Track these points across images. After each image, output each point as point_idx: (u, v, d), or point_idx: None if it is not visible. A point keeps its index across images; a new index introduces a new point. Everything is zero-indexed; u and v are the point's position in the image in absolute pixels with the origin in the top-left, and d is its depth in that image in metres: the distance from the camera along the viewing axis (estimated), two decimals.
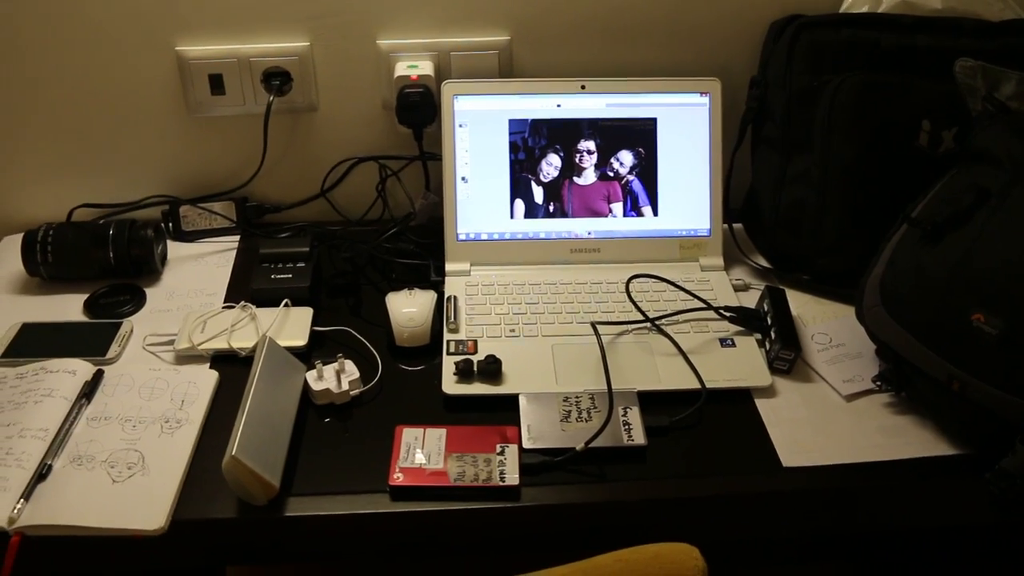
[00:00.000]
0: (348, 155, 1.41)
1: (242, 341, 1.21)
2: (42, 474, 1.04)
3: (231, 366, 1.19)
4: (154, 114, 1.38)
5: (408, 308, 1.23)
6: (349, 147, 1.41)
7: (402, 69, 1.34)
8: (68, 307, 1.29)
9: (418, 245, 1.36)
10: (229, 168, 1.43)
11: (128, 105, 1.37)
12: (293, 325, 1.23)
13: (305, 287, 1.28)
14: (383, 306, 1.25)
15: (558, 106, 1.33)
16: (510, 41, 1.35)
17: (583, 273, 1.32)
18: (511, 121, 1.33)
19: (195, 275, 1.35)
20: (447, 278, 1.31)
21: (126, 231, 1.32)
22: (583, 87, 1.33)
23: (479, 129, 1.32)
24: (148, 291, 1.33)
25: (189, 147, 1.41)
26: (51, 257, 1.30)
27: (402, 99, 1.32)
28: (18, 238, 1.41)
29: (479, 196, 1.33)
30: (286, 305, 1.26)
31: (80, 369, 1.16)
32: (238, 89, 1.36)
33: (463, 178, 1.33)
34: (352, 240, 1.37)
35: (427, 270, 1.33)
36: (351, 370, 1.16)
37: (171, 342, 1.23)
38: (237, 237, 1.43)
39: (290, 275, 1.29)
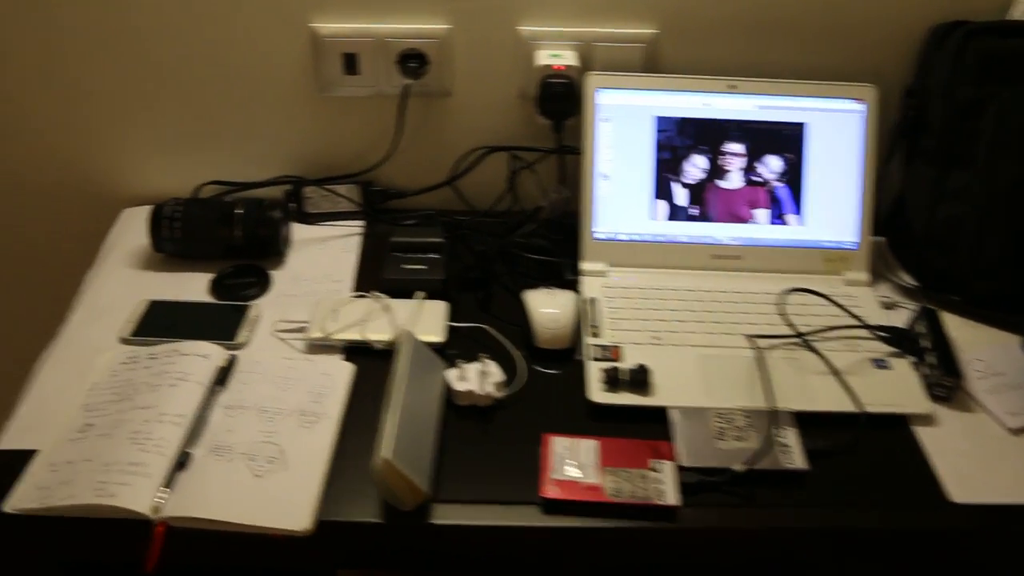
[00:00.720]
0: (480, 144, 1.35)
1: (377, 333, 1.16)
2: (181, 462, 1.00)
3: (365, 358, 1.14)
4: (283, 92, 1.33)
5: (549, 308, 1.17)
6: (481, 135, 1.35)
7: (544, 58, 1.27)
8: (193, 286, 1.25)
9: (549, 241, 1.30)
10: (355, 150, 1.38)
11: (257, 81, 1.32)
12: (428, 319, 1.18)
13: (440, 280, 1.23)
14: (517, 304, 1.20)
15: (705, 105, 1.26)
16: (657, 35, 1.29)
17: (724, 281, 1.26)
18: (657, 119, 1.26)
19: (320, 259, 1.30)
20: (583, 278, 1.25)
21: (254, 211, 1.27)
22: (732, 87, 1.26)
23: (623, 125, 1.26)
24: (273, 274, 1.27)
25: (316, 127, 1.36)
26: (178, 233, 1.25)
27: (545, 89, 1.26)
28: (140, 211, 1.37)
29: (619, 194, 1.27)
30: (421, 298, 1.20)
31: (212, 353, 1.12)
32: (372, 70, 1.30)
33: (604, 175, 1.27)
34: (484, 232, 1.31)
35: (561, 268, 1.26)
36: (494, 372, 1.11)
37: (301, 329, 1.18)
38: (361, 222, 1.37)
39: (424, 266, 1.24)
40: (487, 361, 1.11)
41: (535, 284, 1.21)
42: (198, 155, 1.38)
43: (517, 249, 1.28)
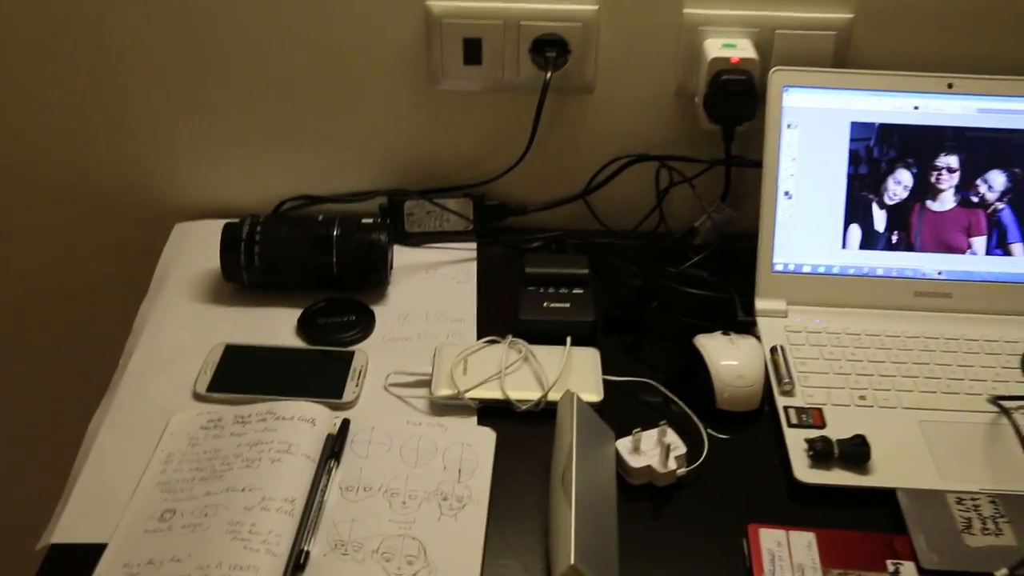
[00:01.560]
0: (623, 151, 1.19)
1: (519, 390, 1.00)
2: (299, 563, 0.83)
3: (504, 421, 0.98)
4: (384, 83, 1.17)
5: (730, 360, 1.02)
6: (625, 141, 1.20)
7: (716, 49, 1.11)
8: (275, 325, 1.09)
9: (710, 271, 1.13)
10: (468, 157, 1.22)
11: (351, 70, 1.16)
12: (579, 372, 1.02)
13: (589, 322, 1.07)
14: (675, 351, 1.06)
15: (915, 108, 1.10)
16: (851, 20, 1.12)
17: (931, 324, 1.10)
18: (853, 124, 1.10)
19: (431, 291, 1.14)
20: (759, 319, 1.10)
21: (353, 232, 1.10)
22: (950, 85, 1.10)
23: (812, 132, 1.10)
24: (375, 309, 1.11)
25: (423, 127, 1.20)
26: (258, 260, 1.09)
27: (718, 87, 1.11)
28: (196, 227, 1.22)
29: (805, 217, 1.11)
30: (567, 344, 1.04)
31: (319, 417, 0.95)
32: (497, 58, 1.14)
33: (786, 193, 1.10)
34: (626, 258, 1.18)
35: (731, 307, 1.11)
36: (676, 442, 0.94)
37: (421, 383, 1.02)
38: (473, 244, 1.21)
39: (567, 303, 1.09)
40: (667, 429, 0.94)
41: (698, 326, 1.07)
42: (271, 160, 1.22)
43: (675, 282, 1.11)
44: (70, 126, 1.20)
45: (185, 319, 1.09)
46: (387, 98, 1.18)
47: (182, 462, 0.92)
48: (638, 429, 0.94)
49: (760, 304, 1.11)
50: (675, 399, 1.02)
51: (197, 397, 1.00)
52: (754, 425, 1.01)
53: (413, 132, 1.20)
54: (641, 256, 1.18)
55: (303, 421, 0.94)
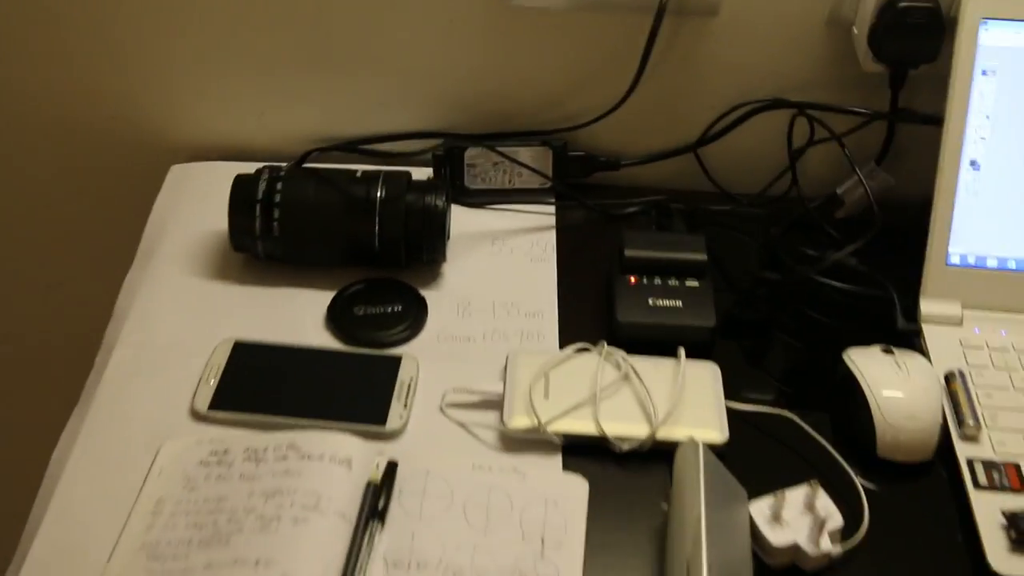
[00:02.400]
0: (750, 94, 1.00)
1: (619, 421, 0.82)
2: None
3: (597, 463, 0.81)
4: None
5: (895, 390, 0.83)
6: (754, 81, 1.01)
7: None
8: (299, 314, 0.91)
9: (859, 257, 0.94)
10: (546, 94, 1.03)
11: None
12: (695, 398, 0.84)
13: (709, 328, 0.89)
14: (826, 367, 0.88)
15: None
16: None
17: None
18: None
19: (499, 272, 0.97)
20: (925, 327, 0.91)
21: (402, 194, 0.92)
22: None
23: (1016, 81, 0.90)
24: (426, 295, 0.93)
25: (491, 54, 1.01)
26: (278, 227, 0.91)
27: (893, 15, 0.91)
28: (198, 171, 1.05)
29: (994, 195, 0.92)
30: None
31: (357, 455, 0.77)
32: None
33: (972, 162, 0.91)
34: (759, 236, 1.00)
35: (888, 309, 0.92)
36: (830, 510, 0.76)
37: (489, 404, 0.84)
38: (551, 207, 1.03)
39: (678, 300, 0.90)
40: (817, 488, 0.76)
41: (846, 334, 0.90)
42: (293, 90, 1.04)
43: (818, 271, 0.92)
44: (40, 39, 1.01)
45: (181, 301, 0.91)
46: (445, 13, 0.99)
47: (175, 514, 0.75)
48: (780, 491, 0.76)
49: (927, 307, 0.92)
50: (821, 440, 0.83)
51: (196, 416, 0.82)
52: (925, 478, 0.83)
53: (478, 59, 1.02)
54: (764, 229, 1.01)
55: (336, 463, 0.76)
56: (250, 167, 0.97)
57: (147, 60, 1.02)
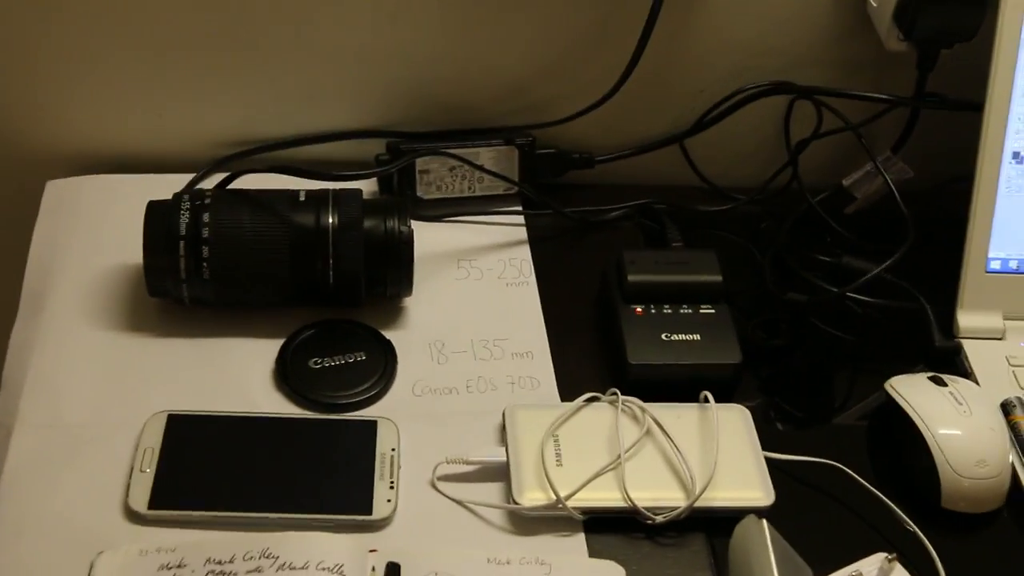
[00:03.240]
0: (750, 78, 0.96)
1: (647, 488, 0.75)
2: None
3: (625, 540, 0.74)
4: None
5: (954, 427, 0.78)
6: (752, 61, 0.96)
7: None
8: (240, 370, 0.82)
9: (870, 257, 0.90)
10: (504, 82, 0.97)
11: None
12: (730, 451, 0.78)
13: (734, 364, 0.83)
14: (862, 400, 0.85)
15: None
16: None
17: None
18: None
19: (471, 301, 0.90)
20: (964, 343, 0.88)
21: (359, 217, 0.82)
22: None
23: None
24: (390, 337, 0.84)
25: (440, 35, 0.94)
26: (208, 268, 0.80)
27: None
28: (83, 186, 0.95)
29: None
30: (704, 400, 0.80)
31: (349, 560, 0.68)
32: None
33: (1016, 154, 0.87)
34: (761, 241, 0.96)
35: (922, 324, 0.87)
36: None
37: (490, 474, 0.76)
38: (519, 217, 0.96)
39: (695, 333, 0.84)
40: (894, 564, 0.70)
41: (878, 356, 0.88)
42: (197, 83, 0.95)
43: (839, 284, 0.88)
44: None
45: (90, 363, 0.81)
46: None
47: None
48: (850, 567, 0.70)
49: (966, 320, 0.89)
50: (880, 495, 0.77)
51: (133, 517, 0.71)
52: (993, 529, 0.78)
53: (427, 41, 0.94)
54: (767, 232, 0.96)
55: (325, 571, 0.67)
56: (150, 180, 0.92)
57: (5, 50, 0.92)
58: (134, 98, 0.94)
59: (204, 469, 0.74)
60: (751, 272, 0.93)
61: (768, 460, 0.78)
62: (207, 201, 0.80)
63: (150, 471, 0.72)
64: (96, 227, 0.89)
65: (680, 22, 0.93)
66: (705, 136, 0.98)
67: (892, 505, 0.76)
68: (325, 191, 0.83)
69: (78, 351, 0.81)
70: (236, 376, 0.80)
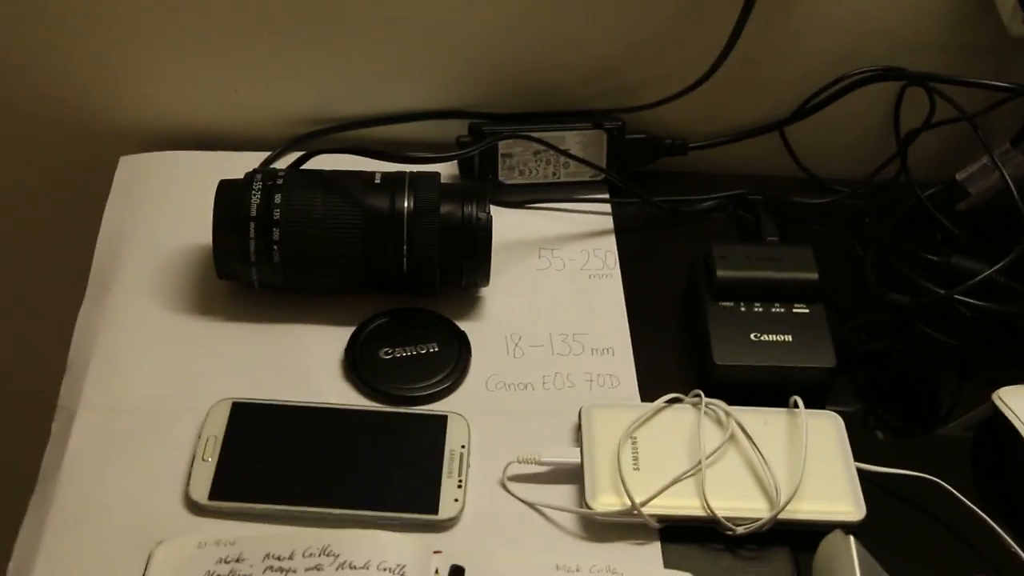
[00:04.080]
0: (857, 63, 0.94)
1: (727, 497, 0.74)
2: None
3: (702, 550, 0.74)
4: None
5: None
6: (859, 46, 0.95)
7: None
8: (308, 359, 0.82)
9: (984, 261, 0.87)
10: (594, 62, 0.96)
11: None
12: (820, 461, 0.76)
13: (828, 369, 0.81)
14: (959, 409, 0.86)
15: None
16: None
17: None
18: None
19: (552, 293, 0.89)
20: None
21: (434, 203, 0.82)
22: None
23: None
24: (465, 328, 0.85)
25: (525, 12, 0.93)
26: (279, 250, 0.81)
27: None
28: (157, 163, 0.96)
29: None
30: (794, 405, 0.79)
31: (409, 559, 0.69)
32: None
33: None
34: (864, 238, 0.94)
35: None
36: None
37: (564, 476, 0.76)
38: (606, 205, 0.96)
39: (787, 335, 0.83)
40: None
41: (985, 364, 0.88)
42: (273, 59, 0.95)
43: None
44: None
45: (156, 346, 0.82)
46: None
47: None
48: None
49: None
50: (981, 514, 0.75)
51: (193, 508, 0.72)
52: None
53: (512, 17, 0.94)
54: (871, 227, 0.95)
55: (386, 572, 0.67)
56: (223, 158, 0.92)
57: (83, 24, 0.93)
58: (209, 73, 0.95)
59: (267, 460, 0.75)
60: (851, 270, 0.92)
61: (861, 472, 0.76)
62: (279, 182, 0.81)
63: (212, 460, 0.73)
64: (168, 205, 0.91)
65: (781, 1, 0.91)
66: (806, 124, 0.96)
67: (995, 526, 0.74)
68: (402, 174, 0.83)
69: (144, 334, 0.82)
70: (303, 364, 0.81)
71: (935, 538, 0.75)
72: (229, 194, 0.81)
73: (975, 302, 0.86)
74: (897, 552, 0.71)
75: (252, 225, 0.80)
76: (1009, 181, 0.87)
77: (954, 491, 0.76)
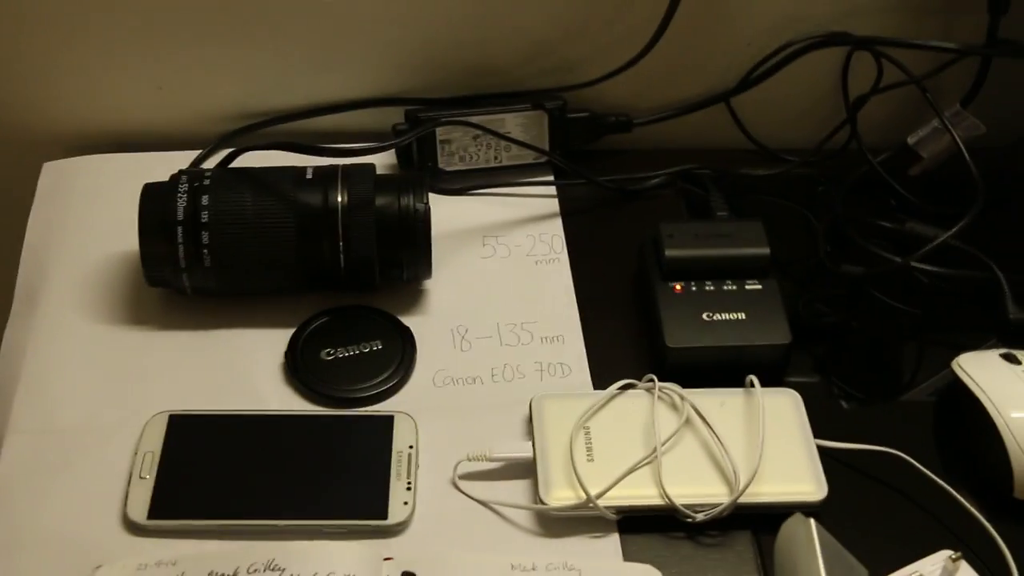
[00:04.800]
0: (803, 29, 0.94)
1: (689, 486, 0.74)
2: None
3: (661, 539, 0.73)
4: None
5: None
6: (801, 10, 0.94)
7: None
8: (246, 363, 0.82)
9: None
10: (531, 42, 0.95)
11: None
12: (778, 440, 0.76)
13: (784, 345, 0.81)
14: (919, 378, 0.85)
15: None
16: None
17: None
18: None
19: (498, 282, 0.89)
20: None
21: (371, 195, 0.81)
22: None
23: None
24: (408, 323, 0.84)
25: None
26: (209, 254, 0.79)
27: None
28: (81, 168, 0.95)
29: None
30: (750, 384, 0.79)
31: (359, 568, 0.68)
32: None
33: None
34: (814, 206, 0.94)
35: (996, 293, 0.86)
36: None
37: (515, 472, 0.75)
38: (549, 188, 0.95)
39: (740, 313, 0.82)
40: (959, 564, 0.68)
41: (944, 330, 0.87)
42: (198, 54, 0.94)
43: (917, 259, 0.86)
44: None
45: (87, 361, 0.80)
46: None
47: None
48: (909, 568, 0.69)
49: None
50: (945, 486, 0.75)
51: (132, 528, 0.71)
52: None
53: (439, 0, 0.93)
54: (822, 196, 0.95)
55: None
56: (150, 160, 0.89)
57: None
58: (130, 70, 0.93)
59: (207, 474, 0.73)
60: (805, 242, 0.91)
61: (821, 449, 0.76)
62: (206, 182, 0.80)
63: (150, 477, 0.72)
64: (94, 211, 0.89)
65: None
66: (753, 94, 0.96)
67: (959, 497, 0.75)
68: (334, 167, 0.82)
69: (74, 348, 0.81)
70: (243, 370, 0.80)
71: (899, 512, 0.75)
72: (154, 198, 0.79)
73: (932, 268, 0.86)
74: (861, 528, 0.72)
75: (179, 229, 0.78)
76: (960, 143, 0.87)
77: (915, 463, 0.76)
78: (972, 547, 0.71)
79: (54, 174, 0.93)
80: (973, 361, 0.79)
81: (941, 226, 0.86)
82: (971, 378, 0.78)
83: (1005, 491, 0.75)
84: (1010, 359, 0.78)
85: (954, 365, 0.79)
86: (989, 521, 0.73)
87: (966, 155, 0.86)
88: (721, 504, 0.72)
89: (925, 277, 0.87)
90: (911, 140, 0.94)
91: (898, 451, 0.76)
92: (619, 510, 0.72)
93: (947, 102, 0.92)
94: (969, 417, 0.77)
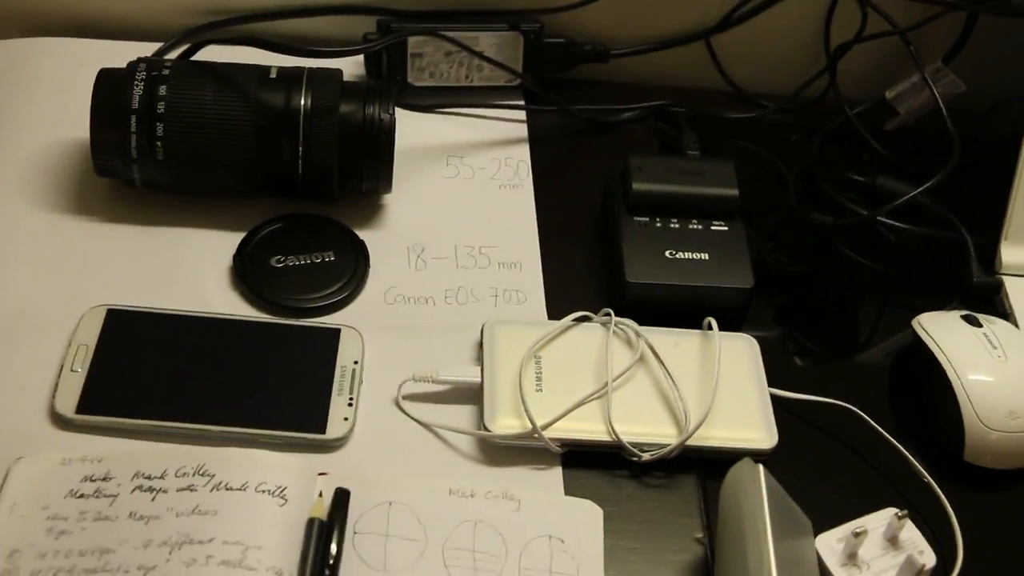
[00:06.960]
0: None
1: (635, 423, 0.71)
2: None
3: (607, 476, 0.70)
4: None
5: (985, 373, 0.73)
6: None
7: None
8: (193, 264, 0.78)
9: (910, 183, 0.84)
10: None
11: None
12: (732, 387, 0.73)
13: (745, 289, 0.78)
14: (879, 334, 0.82)
15: None
16: None
17: None
18: None
19: (459, 203, 0.85)
20: (1007, 279, 0.84)
21: (336, 101, 0.77)
22: None
23: None
24: (365, 237, 0.80)
25: None
26: (163, 146, 0.75)
27: None
28: (30, 50, 0.90)
29: None
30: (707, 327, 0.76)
31: (293, 482, 0.64)
32: None
33: None
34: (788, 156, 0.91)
35: (960, 256, 0.83)
36: (920, 546, 0.66)
37: (462, 397, 0.72)
38: (521, 112, 0.91)
39: (704, 252, 0.79)
40: (904, 522, 0.66)
41: (908, 289, 0.85)
42: None
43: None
44: None
45: (28, 250, 0.76)
46: None
47: (38, 573, 0.60)
48: (854, 522, 0.66)
49: (1009, 255, 0.85)
50: (895, 443, 0.72)
51: (58, 422, 0.67)
52: (1016, 487, 0.74)
53: None
54: (796, 144, 0.92)
55: (265, 494, 0.63)
56: (108, 47, 0.86)
57: None
58: None
59: (142, 372, 0.69)
60: (775, 189, 0.89)
61: (774, 398, 0.73)
62: (165, 72, 0.75)
63: (82, 371, 0.68)
64: (45, 96, 0.85)
65: None
66: (734, 34, 0.93)
67: (908, 455, 0.72)
68: (300, 69, 0.77)
69: (15, 235, 0.77)
70: (188, 270, 0.76)
71: (848, 467, 0.73)
72: (109, 84, 0.75)
73: (899, 224, 0.83)
74: (808, 479, 0.69)
75: (133, 119, 0.74)
76: (939, 99, 0.84)
77: (868, 418, 0.73)
78: (918, 507, 0.69)
79: (4, 54, 0.88)
80: (934, 321, 0.77)
81: (912, 183, 0.83)
82: (931, 337, 0.75)
83: (956, 453, 0.73)
84: (971, 321, 0.76)
85: (915, 324, 0.77)
86: (937, 483, 0.71)
87: (944, 113, 0.83)
88: (669, 445, 0.69)
89: (892, 233, 0.84)
90: (889, 94, 0.91)
91: (852, 406, 0.73)
92: (564, 443, 0.69)
93: (930, 57, 0.89)
94: (926, 377, 0.75)
